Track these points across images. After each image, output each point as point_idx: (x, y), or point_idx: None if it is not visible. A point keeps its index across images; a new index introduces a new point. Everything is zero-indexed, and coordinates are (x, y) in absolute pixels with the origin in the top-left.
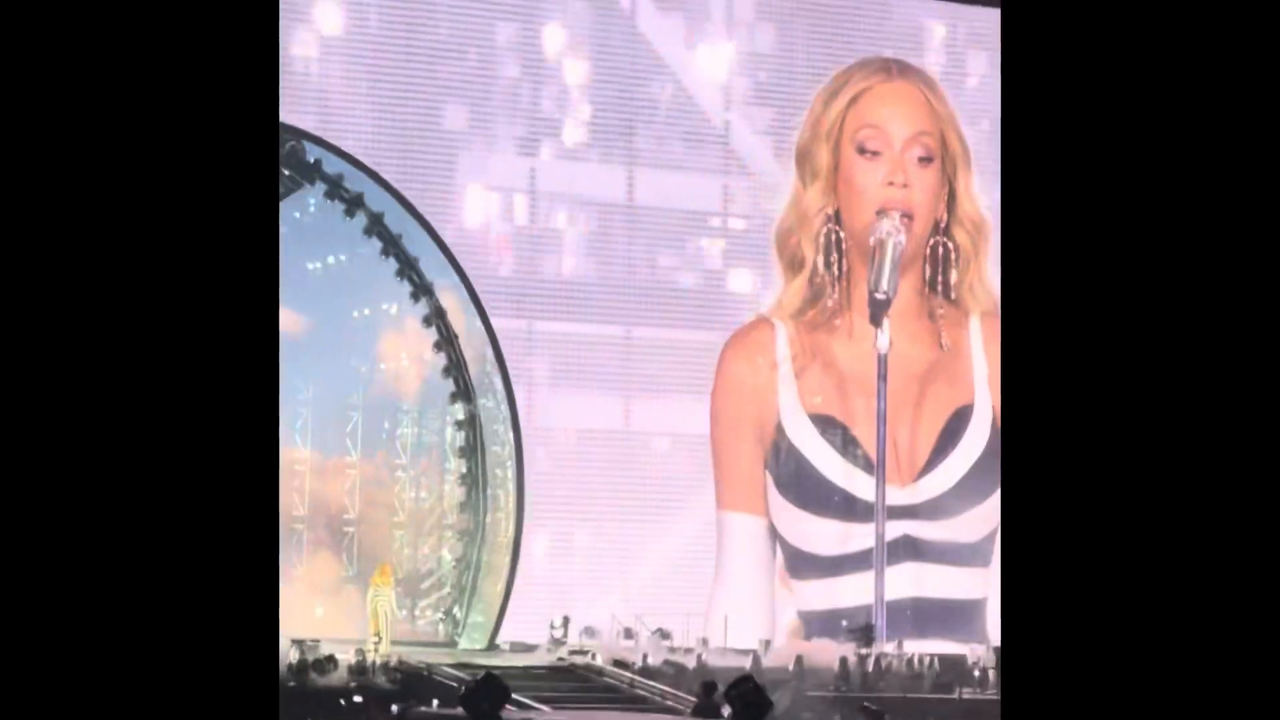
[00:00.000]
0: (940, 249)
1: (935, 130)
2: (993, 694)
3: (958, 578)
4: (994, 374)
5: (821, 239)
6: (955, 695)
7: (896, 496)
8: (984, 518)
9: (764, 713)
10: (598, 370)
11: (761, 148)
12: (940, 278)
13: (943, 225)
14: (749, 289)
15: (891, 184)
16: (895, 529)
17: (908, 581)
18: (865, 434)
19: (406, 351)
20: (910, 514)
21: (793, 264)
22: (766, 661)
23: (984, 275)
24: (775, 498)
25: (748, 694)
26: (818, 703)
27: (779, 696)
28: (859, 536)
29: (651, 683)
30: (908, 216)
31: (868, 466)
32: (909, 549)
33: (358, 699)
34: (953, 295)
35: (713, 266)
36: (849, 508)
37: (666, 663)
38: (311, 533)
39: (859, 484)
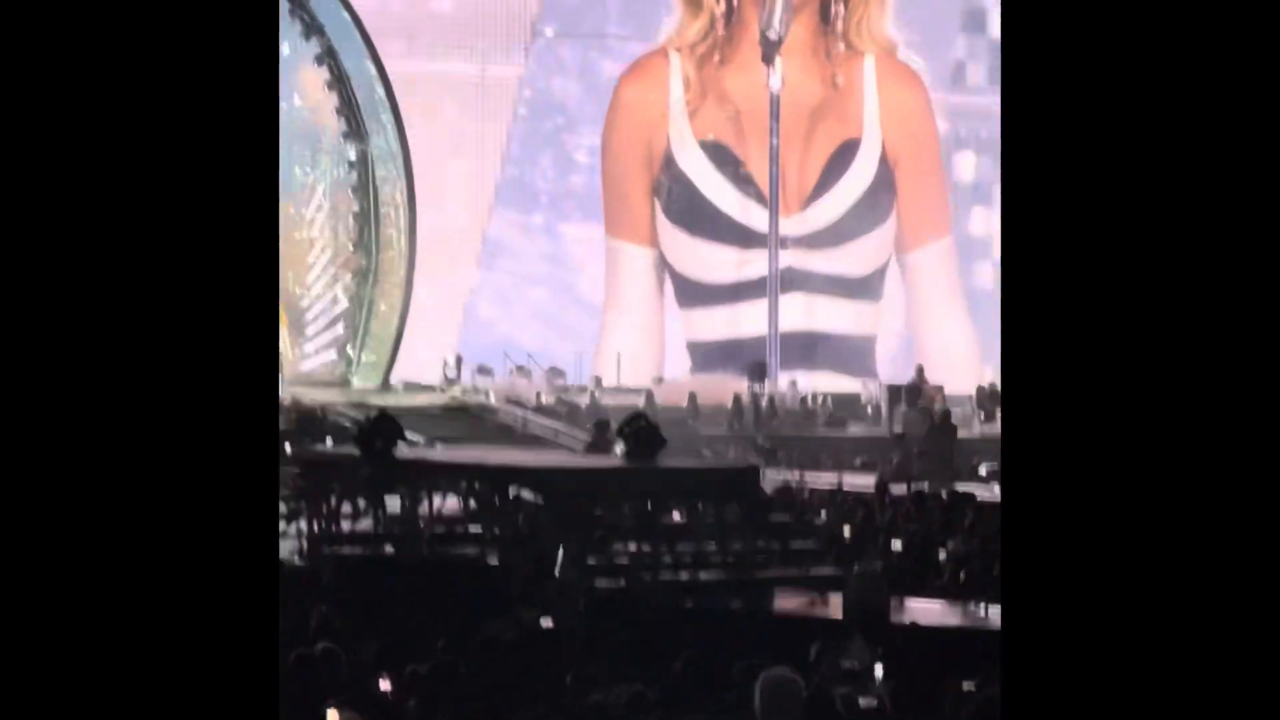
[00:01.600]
0: None
1: None
2: (881, 431)
3: (846, 311)
4: (886, 112)
5: None
6: (847, 432)
7: (785, 226)
8: (872, 250)
9: (656, 449)
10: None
11: None
12: (833, 14)
13: None
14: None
15: None
16: (784, 258)
17: (798, 313)
18: (758, 167)
19: (309, 91)
20: (799, 243)
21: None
22: (659, 399)
23: (875, 14)
24: (665, 227)
25: (640, 431)
26: (713, 440)
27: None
28: (752, 264)
29: (545, 421)
30: None
31: (759, 198)
32: (799, 279)
33: None
34: (845, 33)
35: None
36: (742, 236)
37: (560, 401)
38: None
39: (752, 215)
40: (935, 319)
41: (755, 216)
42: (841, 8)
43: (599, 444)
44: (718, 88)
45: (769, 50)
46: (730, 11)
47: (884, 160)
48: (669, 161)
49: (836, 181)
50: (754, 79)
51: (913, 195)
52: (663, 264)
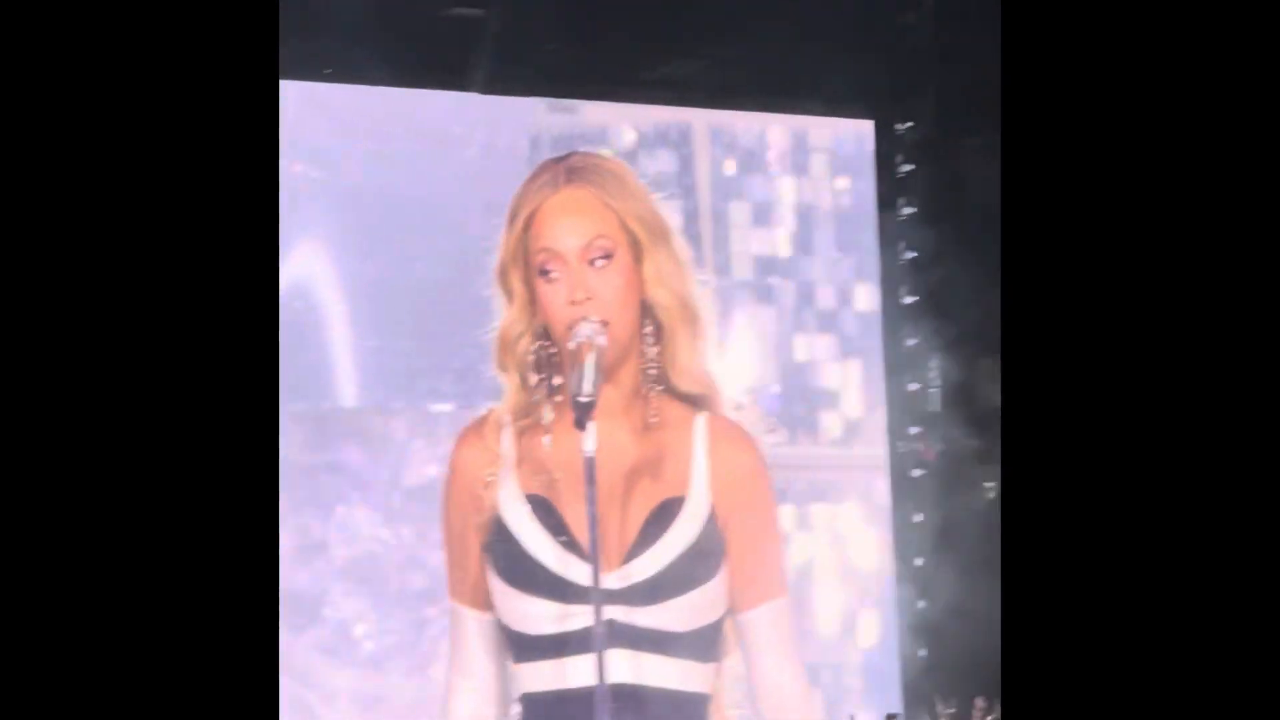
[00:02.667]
0: (645, 335)
1: (611, 228)
2: None
3: (672, 668)
4: (716, 474)
5: (530, 356)
6: None
7: (605, 581)
8: (694, 608)
9: None
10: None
11: None
12: (649, 364)
13: (647, 309)
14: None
15: (574, 302)
16: (606, 613)
17: (624, 668)
18: (576, 521)
19: None
20: (618, 599)
21: (506, 373)
22: None
23: (684, 355)
24: (494, 583)
25: None
26: None
27: None
28: (576, 617)
29: None
30: (604, 322)
31: (581, 555)
32: (621, 634)
33: None
34: (663, 379)
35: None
36: (563, 591)
37: None
38: None
39: (573, 570)
40: (769, 675)
41: (576, 571)
42: (654, 352)
43: None
44: (539, 453)
45: (580, 414)
46: (546, 377)
47: (713, 519)
48: (498, 519)
49: (657, 539)
50: (573, 442)
51: (743, 558)
52: (499, 625)
